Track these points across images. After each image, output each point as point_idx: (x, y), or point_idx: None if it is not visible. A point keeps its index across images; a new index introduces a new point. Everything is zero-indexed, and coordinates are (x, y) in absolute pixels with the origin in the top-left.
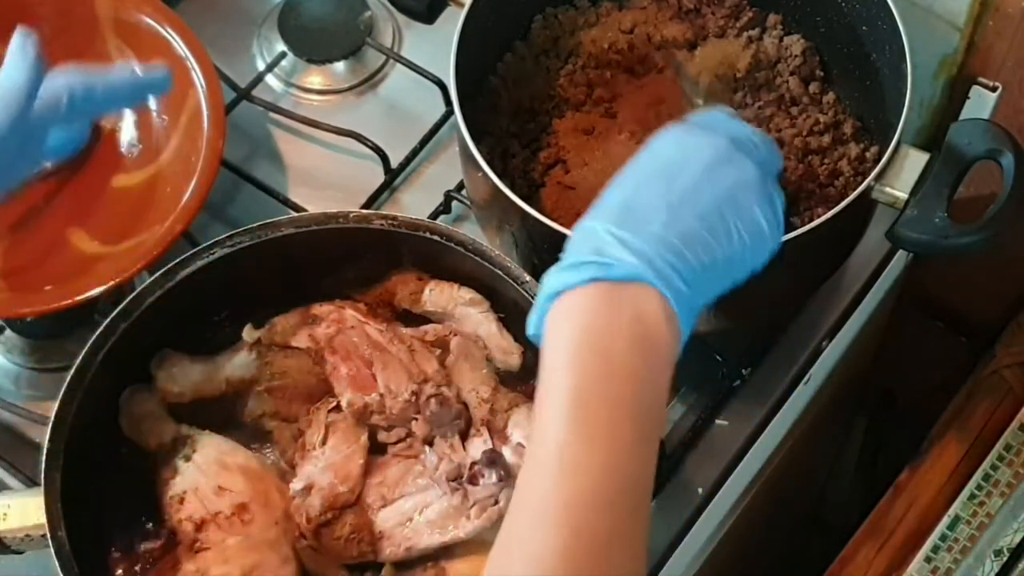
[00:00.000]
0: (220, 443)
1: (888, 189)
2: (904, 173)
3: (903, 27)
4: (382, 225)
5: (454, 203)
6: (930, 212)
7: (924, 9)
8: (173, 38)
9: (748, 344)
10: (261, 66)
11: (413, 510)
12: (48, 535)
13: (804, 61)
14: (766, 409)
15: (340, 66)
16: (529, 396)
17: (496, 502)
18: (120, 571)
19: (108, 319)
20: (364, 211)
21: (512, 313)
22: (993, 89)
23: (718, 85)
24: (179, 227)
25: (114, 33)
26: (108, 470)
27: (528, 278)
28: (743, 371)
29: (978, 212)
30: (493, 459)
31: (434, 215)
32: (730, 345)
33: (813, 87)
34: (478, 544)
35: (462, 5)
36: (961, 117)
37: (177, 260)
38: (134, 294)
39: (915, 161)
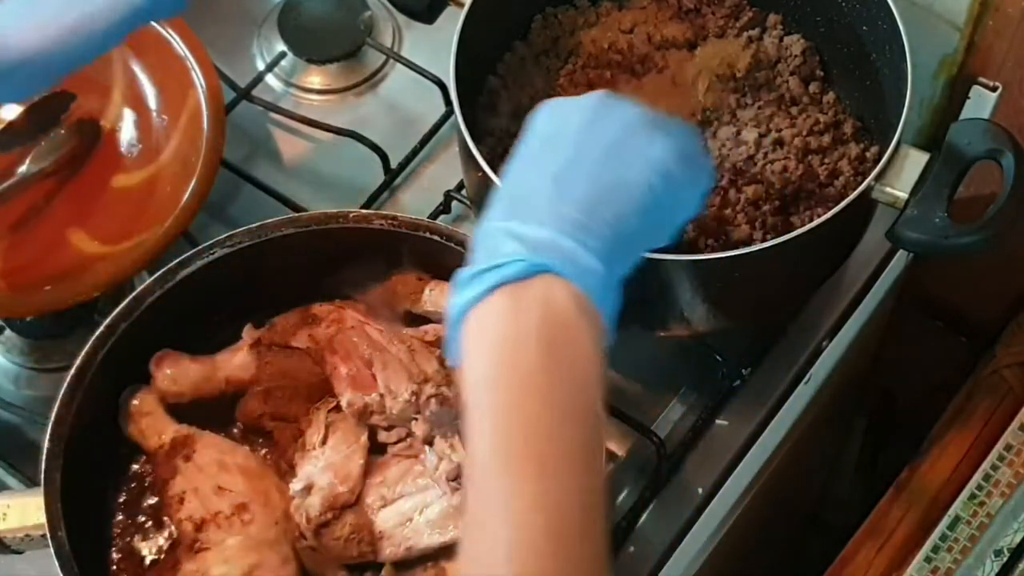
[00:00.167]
0: (220, 443)
1: (888, 189)
2: (904, 173)
3: (903, 27)
4: (382, 225)
5: (454, 203)
6: (930, 212)
7: (924, 9)
8: (173, 38)
9: (748, 344)
10: (261, 66)
11: (413, 510)
12: (48, 535)
13: (804, 61)
14: (766, 409)
15: (340, 66)
16: None
17: None
18: (120, 571)
19: (108, 319)
20: (364, 211)
21: None
22: (993, 89)
23: (718, 85)
24: (179, 227)
25: None
26: (108, 470)
27: None
28: (743, 371)
29: (978, 212)
30: None
31: (434, 215)
32: (730, 345)
33: (813, 87)
34: None
35: (462, 5)
36: (961, 117)
37: (177, 260)
38: (134, 294)
39: (915, 161)
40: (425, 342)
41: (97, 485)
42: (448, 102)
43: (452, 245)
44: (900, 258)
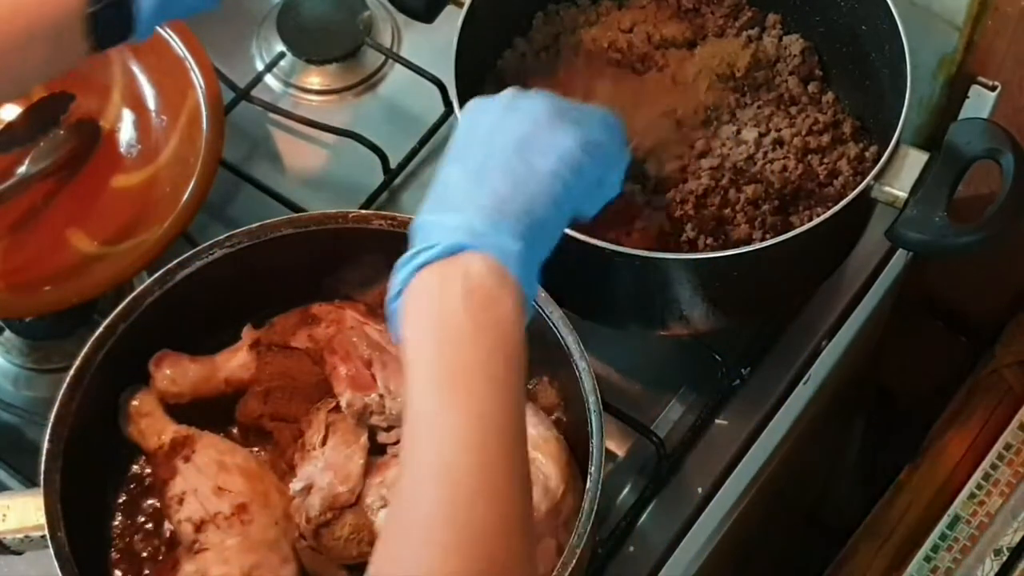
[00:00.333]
0: (219, 443)
1: (888, 189)
2: (904, 173)
3: (902, 27)
4: (381, 225)
5: None
6: (930, 212)
7: (923, 9)
8: (172, 38)
9: (747, 344)
10: (260, 66)
11: None
12: (48, 535)
13: (803, 61)
14: (765, 409)
15: (339, 66)
16: (529, 394)
17: None
18: (120, 571)
19: (108, 319)
20: (363, 211)
21: None
22: (992, 88)
23: (718, 84)
24: (178, 227)
25: None
26: (108, 471)
27: None
28: (743, 371)
29: (978, 212)
30: None
31: None
32: (730, 345)
33: (812, 87)
34: None
35: (462, 5)
36: (960, 116)
37: (176, 260)
38: (133, 294)
39: (915, 161)
40: None
41: (97, 486)
42: (448, 102)
43: None
44: (899, 258)
